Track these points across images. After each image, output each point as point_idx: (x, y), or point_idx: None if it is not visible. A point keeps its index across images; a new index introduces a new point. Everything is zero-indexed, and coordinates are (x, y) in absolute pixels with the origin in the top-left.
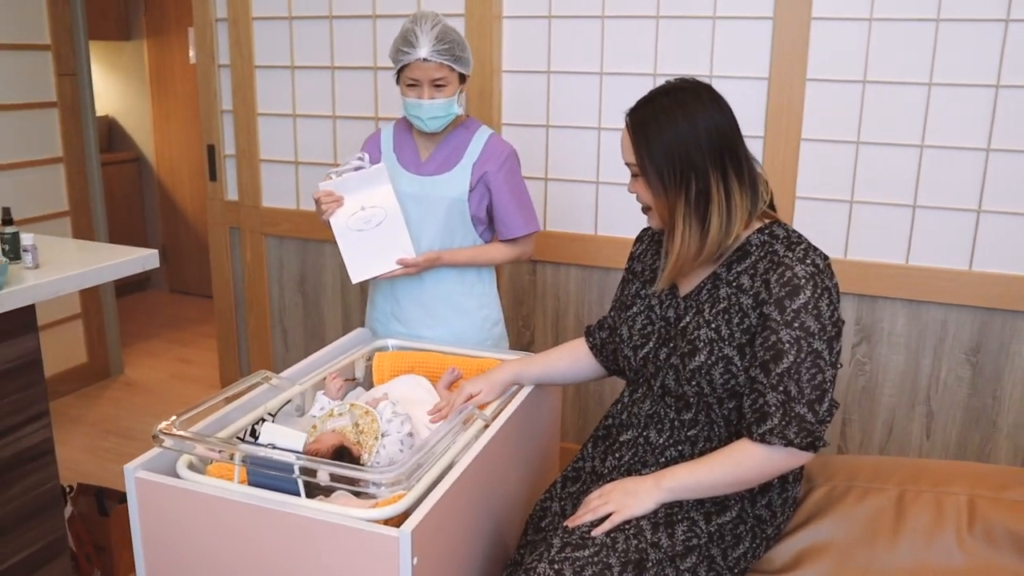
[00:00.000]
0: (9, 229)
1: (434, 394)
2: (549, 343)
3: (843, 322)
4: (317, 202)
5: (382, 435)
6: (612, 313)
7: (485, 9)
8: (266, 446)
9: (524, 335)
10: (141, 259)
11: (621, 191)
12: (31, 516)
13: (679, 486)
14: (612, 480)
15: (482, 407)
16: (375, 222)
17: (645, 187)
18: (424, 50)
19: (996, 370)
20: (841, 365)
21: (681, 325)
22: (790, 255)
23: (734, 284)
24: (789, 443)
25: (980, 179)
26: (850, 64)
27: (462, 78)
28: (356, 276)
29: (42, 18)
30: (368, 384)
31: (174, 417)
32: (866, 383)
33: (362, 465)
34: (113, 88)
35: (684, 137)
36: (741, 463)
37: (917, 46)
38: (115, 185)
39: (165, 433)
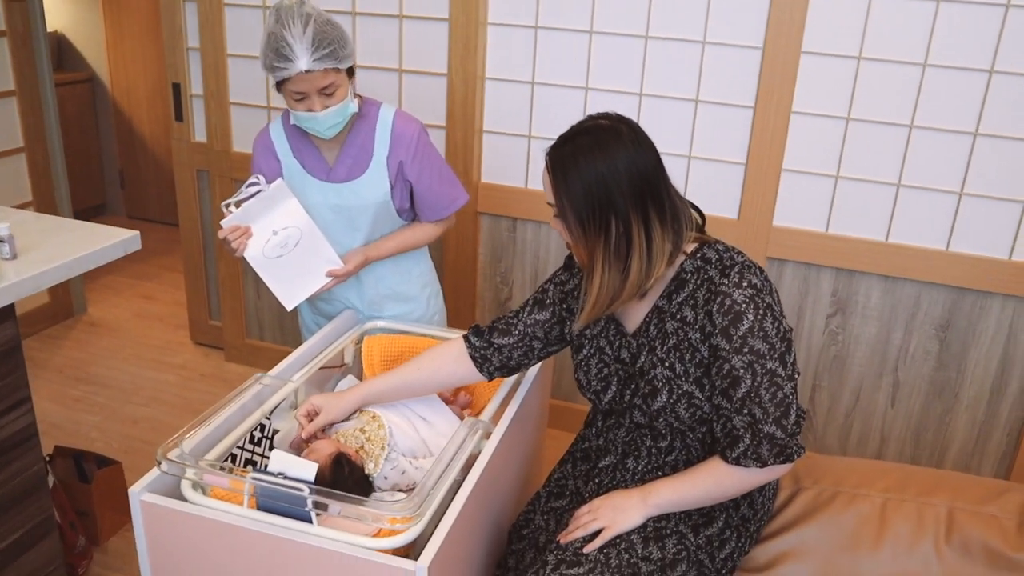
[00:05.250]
0: None
1: (441, 415)
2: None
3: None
4: (225, 241)
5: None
6: (517, 323)
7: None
8: (276, 475)
9: (503, 291)
10: (123, 242)
11: None
12: (18, 500)
13: (664, 502)
14: None
15: (474, 413)
16: (292, 243)
17: (565, 228)
18: (303, 61)
19: (963, 346)
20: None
21: (638, 365)
22: (726, 281)
23: (678, 317)
24: (764, 463)
25: (965, 163)
26: (847, 40)
27: (351, 70)
28: (290, 303)
29: None
30: (358, 370)
31: (176, 436)
32: (837, 352)
33: (367, 475)
34: (62, 1)
35: (604, 179)
36: (722, 482)
37: (915, 25)
38: (68, 108)
39: (170, 461)
